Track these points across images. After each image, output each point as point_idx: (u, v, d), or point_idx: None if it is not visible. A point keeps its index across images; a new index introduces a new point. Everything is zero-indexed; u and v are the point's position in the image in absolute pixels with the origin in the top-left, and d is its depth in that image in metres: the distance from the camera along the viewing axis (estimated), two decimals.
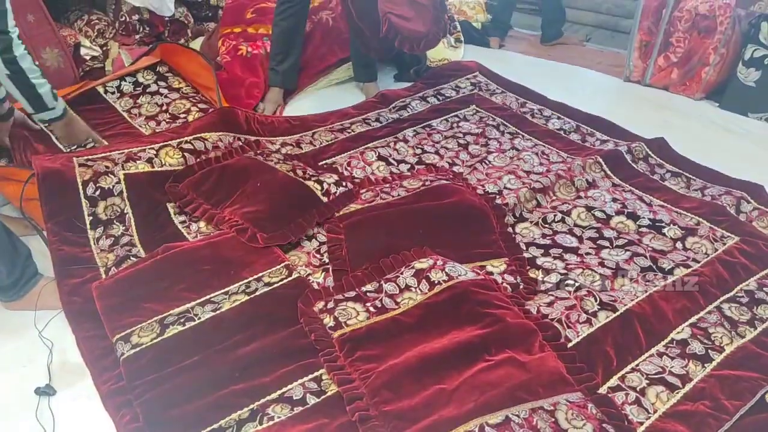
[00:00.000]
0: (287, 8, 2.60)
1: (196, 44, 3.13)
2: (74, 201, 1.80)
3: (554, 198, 2.07)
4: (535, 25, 3.66)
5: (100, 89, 2.43)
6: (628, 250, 1.82)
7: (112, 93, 2.45)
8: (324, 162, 2.29)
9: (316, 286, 1.66)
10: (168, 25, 3.06)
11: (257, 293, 1.61)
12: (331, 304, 1.56)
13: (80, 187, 1.82)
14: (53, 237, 1.72)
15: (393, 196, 2.03)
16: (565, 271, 1.72)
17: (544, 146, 2.41)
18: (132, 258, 1.73)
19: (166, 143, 2.08)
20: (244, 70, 2.77)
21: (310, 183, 2.02)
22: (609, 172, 2.20)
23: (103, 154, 1.96)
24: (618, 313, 1.57)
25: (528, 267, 1.75)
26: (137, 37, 2.92)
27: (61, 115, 1.86)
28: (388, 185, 2.13)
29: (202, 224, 1.89)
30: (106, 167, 1.90)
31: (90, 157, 1.93)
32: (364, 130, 2.52)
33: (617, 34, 3.66)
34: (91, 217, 1.80)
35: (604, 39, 3.66)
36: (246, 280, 1.65)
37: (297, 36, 2.71)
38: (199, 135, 2.15)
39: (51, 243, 1.71)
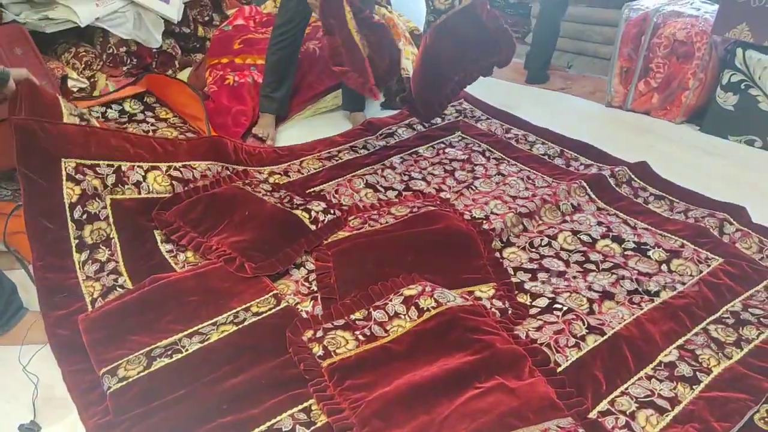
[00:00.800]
0: (283, 38, 2.64)
1: (184, 75, 3.15)
2: (60, 224, 1.78)
3: (540, 222, 2.09)
4: (519, 52, 3.73)
5: (84, 111, 2.44)
6: (615, 273, 1.83)
7: (97, 117, 2.44)
8: (312, 190, 2.30)
9: (304, 315, 1.65)
10: (156, 57, 3.09)
11: (245, 323, 1.60)
12: (320, 333, 1.56)
13: (67, 209, 1.81)
14: (38, 262, 1.70)
15: (381, 223, 2.04)
16: (552, 295, 1.73)
17: (529, 171, 2.44)
18: (118, 288, 1.71)
19: (155, 165, 2.07)
20: (230, 98, 2.79)
21: (298, 212, 2.03)
22: (593, 196, 2.23)
23: (91, 161, 1.92)
24: (606, 337, 1.58)
25: (516, 292, 1.76)
26: (125, 68, 2.94)
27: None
28: (375, 212, 2.14)
29: (189, 254, 1.89)
30: (95, 189, 1.89)
31: (80, 161, 1.89)
32: (352, 158, 2.55)
33: (597, 60, 3.74)
34: (77, 240, 1.79)
35: (585, 65, 3.73)
36: (234, 310, 1.64)
37: (291, 65, 2.76)
38: (187, 162, 2.15)
39: (36, 270, 1.69)
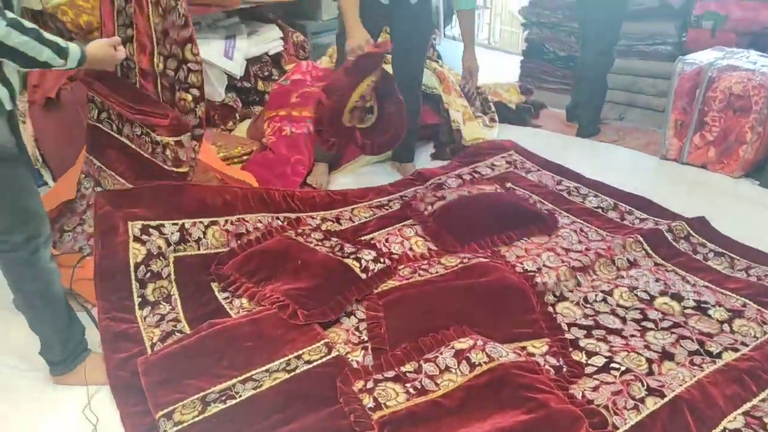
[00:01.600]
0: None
1: (243, 126, 3.29)
2: (125, 283, 1.88)
3: (595, 277, 2.05)
4: (560, 103, 3.74)
5: None
6: (674, 333, 1.77)
7: None
8: (362, 238, 2.33)
9: (355, 365, 1.66)
10: (218, 110, 3.24)
11: (297, 371, 1.62)
12: (370, 384, 1.55)
13: (132, 269, 1.90)
14: (103, 315, 1.79)
15: (431, 273, 2.04)
16: (609, 354, 1.68)
17: (582, 224, 2.42)
18: (177, 333, 1.77)
19: (214, 221, 2.16)
20: (289, 149, 2.89)
21: (348, 261, 2.06)
22: (650, 251, 2.19)
23: (157, 222, 2.02)
24: (666, 399, 1.52)
25: (571, 349, 1.72)
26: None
27: (83, 53, 1.56)
28: (426, 262, 2.15)
29: (244, 300, 1.94)
30: (159, 248, 1.98)
31: (146, 223, 2.00)
32: (402, 207, 2.58)
33: (650, 112, 3.70)
34: (140, 299, 1.87)
35: (638, 117, 3.70)
36: (286, 358, 1.67)
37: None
38: (240, 216, 2.23)
39: (101, 320, 1.78)
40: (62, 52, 1.41)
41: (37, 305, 1.60)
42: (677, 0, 3.70)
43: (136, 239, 1.95)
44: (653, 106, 3.67)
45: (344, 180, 2.91)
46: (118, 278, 1.87)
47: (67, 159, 2.66)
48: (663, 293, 1.94)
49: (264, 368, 1.63)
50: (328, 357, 1.67)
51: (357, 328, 1.84)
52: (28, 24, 1.33)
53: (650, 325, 1.82)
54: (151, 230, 2.00)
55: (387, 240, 2.31)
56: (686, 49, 3.57)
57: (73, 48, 1.45)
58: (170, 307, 1.88)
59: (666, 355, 1.68)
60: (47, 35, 1.37)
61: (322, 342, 1.72)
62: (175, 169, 2.02)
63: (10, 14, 1.30)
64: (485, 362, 1.55)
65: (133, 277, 1.89)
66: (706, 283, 2.02)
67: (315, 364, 1.65)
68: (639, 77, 3.75)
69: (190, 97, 1.99)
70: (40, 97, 2.69)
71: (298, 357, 1.67)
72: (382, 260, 2.11)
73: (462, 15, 2.73)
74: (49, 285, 1.60)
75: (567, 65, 4.04)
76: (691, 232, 2.31)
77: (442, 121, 3.25)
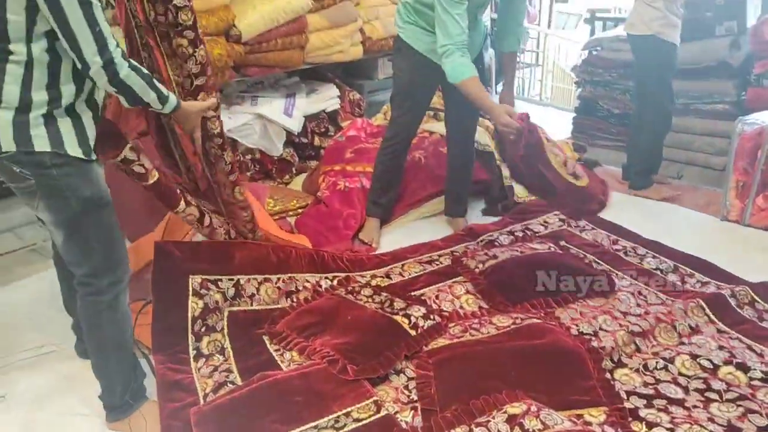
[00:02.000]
0: (390, 150, 2.79)
1: (299, 180, 3.40)
2: (182, 336, 1.94)
3: (655, 343, 1.97)
4: (622, 160, 3.69)
5: None
6: (741, 406, 1.67)
7: None
8: (413, 293, 2.33)
9: (404, 425, 1.64)
10: (275, 164, 3.37)
11: (345, 429, 1.61)
12: None
13: (189, 323, 1.97)
14: (159, 365, 1.85)
15: (483, 333, 2.02)
16: (671, 426, 1.60)
17: (640, 286, 2.35)
18: (229, 384, 1.80)
19: (267, 278, 2.22)
20: (342, 203, 2.95)
21: (398, 317, 2.07)
22: (713, 317, 2.09)
23: (215, 277, 2.09)
24: None
25: (630, 419, 1.64)
26: (248, 174, 3.23)
27: (178, 104, 1.71)
28: (477, 320, 2.12)
29: (295, 353, 1.95)
30: (216, 302, 2.04)
31: (205, 277, 2.07)
32: (452, 263, 2.57)
33: (709, 170, 3.61)
34: (195, 351, 1.93)
35: (696, 176, 3.62)
36: (335, 415, 1.66)
37: (397, 174, 2.90)
38: (291, 275, 2.29)
39: (157, 369, 1.84)
40: (162, 98, 1.60)
41: (109, 350, 1.67)
42: (736, 59, 3.65)
43: (195, 293, 2.01)
44: (712, 165, 3.59)
45: (395, 235, 2.93)
46: (175, 331, 1.94)
47: (134, 210, 2.80)
48: (727, 362, 1.85)
49: (313, 424, 1.62)
50: (377, 416, 1.66)
51: (406, 387, 1.82)
52: (144, 70, 1.53)
53: (714, 396, 1.72)
54: (209, 284, 2.06)
55: (437, 297, 2.30)
56: (746, 107, 3.50)
57: (172, 98, 1.65)
58: (223, 358, 1.92)
59: (732, 430, 1.59)
60: (156, 82, 1.57)
61: (371, 400, 1.71)
62: (144, 183, 1.90)
63: (132, 61, 1.49)
64: (539, 429, 1.50)
65: (189, 330, 1.95)
66: None
67: (364, 422, 1.64)
68: (697, 135, 3.68)
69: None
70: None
71: (347, 414, 1.66)
72: (432, 317, 2.10)
73: (507, 57, 2.75)
74: (123, 331, 1.68)
75: (621, 122, 4.01)
76: (756, 297, 2.21)
77: (493, 178, 3.26)
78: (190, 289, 2.01)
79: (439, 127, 3.47)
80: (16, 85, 1.39)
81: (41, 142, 1.42)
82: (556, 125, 4.54)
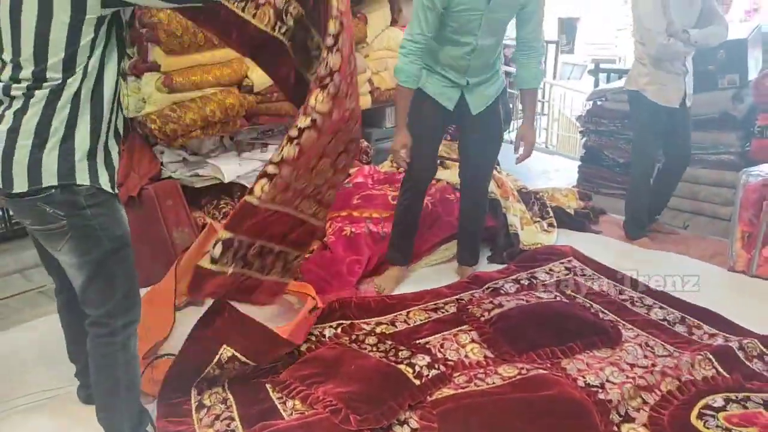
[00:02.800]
0: (410, 192, 2.83)
1: None
2: (187, 390, 1.95)
3: (660, 397, 1.95)
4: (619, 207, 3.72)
5: None
6: None
7: None
8: (417, 341, 2.32)
9: None
10: None
11: None
12: None
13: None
14: (162, 417, 1.85)
15: (488, 383, 2.00)
16: None
17: (647, 337, 2.33)
18: None
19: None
20: (346, 249, 2.96)
21: (402, 366, 2.06)
22: (721, 371, 2.07)
23: (245, 359, 2.01)
24: None
25: None
26: None
27: None
28: (482, 370, 2.11)
29: (297, 402, 1.94)
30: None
31: (237, 355, 1.98)
32: (457, 311, 2.57)
33: (717, 221, 3.62)
34: (196, 403, 1.93)
35: (703, 226, 3.62)
36: None
37: (417, 214, 2.91)
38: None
39: (158, 421, 1.84)
40: None
41: (120, 391, 1.66)
42: (739, 111, 3.71)
43: (219, 364, 1.96)
44: (720, 215, 3.60)
45: (403, 283, 2.94)
46: (183, 387, 1.94)
47: (142, 255, 2.83)
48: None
49: None
50: None
51: None
52: None
53: None
54: (235, 361, 1.99)
55: (442, 345, 2.29)
56: (751, 158, 3.53)
57: None
58: (225, 407, 1.92)
59: None
60: None
61: None
62: None
63: None
64: None
65: (193, 384, 1.96)
66: None
67: None
68: (703, 185, 3.71)
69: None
70: (123, 195, 2.92)
71: None
72: (436, 366, 2.09)
73: (527, 93, 2.75)
74: (134, 372, 1.69)
75: (626, 172, 4.04)
76: (765, 350, 2.18)
77: (499, 225, 3.29)
78: (217, 358, 1.96)
79: (447, 175, 3.52)
80: (59, 118, 1.43)
81: (83, 176, 1.46)
82: (563, 173, 4.58)
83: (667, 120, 3.14)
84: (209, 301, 2.46)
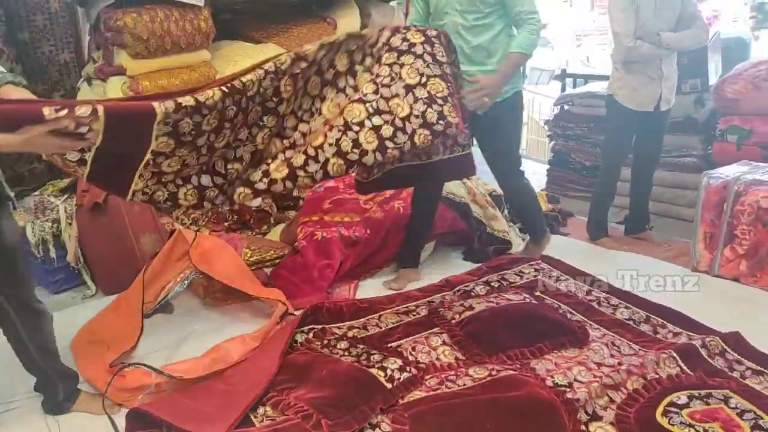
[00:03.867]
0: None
1: (277, 231, 3.41)
2: None
3: (626, 395, 1.99)
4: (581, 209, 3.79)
5: None
6: None
7: None
8: (389, 345, 2.33)
9: None
10: (254, 214, 3.38)
11: None
12: None
13: None
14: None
15: (459, 385, 2.02)
16: None
17: (614, 337, 2.37)
18: None
19: None
20: (317, 253, 2.94)
21: (374, 370, 2.06)
22: (685, 368, 2.12)
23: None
24: None
25: None
26: (226, 224, 3.24)
27: None
28: (453, 372, 2.12)
29: (268, 408, 1.93)
30: None
31: None
32: (429, 313, 2.58)
33: (681, 222, 3.72)
34: None
35: (667, 228, 3.71)
36: None
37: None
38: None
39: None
40: None
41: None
42: (701, 114, 3.82)
43: None
44: (683, 216, 3.69)
45: (374, 286, 2.95)
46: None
47: (108, 261, 2.78)
48: None
49: None
50: None
51: None
52: None
53: None
54: None
55: (414, 348, 2.30)
56: (713, 161, 3.64)
57: None
58: None
59: None
60: None
61: None
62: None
63: None
64: None
65: None
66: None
67: None
68: (667, 188, 3.80)
69: None
70: (89, 201, 2.87)
71: None
72: (408, 369, 2.10)
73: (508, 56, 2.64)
74: None
75: (593, 174, 4.13)
76: (726, 348, 2.24)
77: (471, 228, 3.32)
78: None
79: None
80: None
81: None
82: (533, 177, 4.63)
83: (640, 124, 3.20)
84: (179, 310, 2.46)
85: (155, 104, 1.72)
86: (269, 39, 3.60)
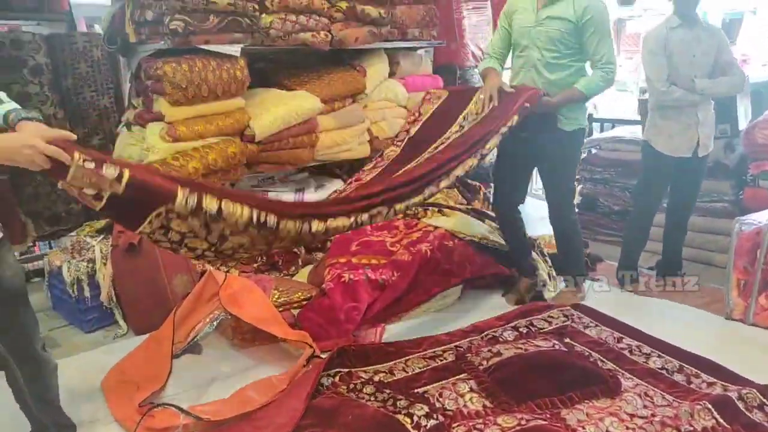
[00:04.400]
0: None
1: (305, 272, 3.44)
2: None
3: None
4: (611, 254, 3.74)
5: None
6: None
7: None
8: (416, 390, 2.31)
9: None
10: (282, 255, 3.43)
11: None
12: None
13: None
14: None
15: None
16: None
17: (646, 387, 2.32)
18: None
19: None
20: (344, 296, 2.96)
21: (400, 416, 2.04)
22: (721, 421, 2.05)
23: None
24: None
25: None
26: (255, 265, 3.29)
27: None
28: (481, 420, 2.09)
29: None
30: None
31: None
32: (456, 359, 2.56)
33: (711, 268, 3.64)
34: None
35: (698, 273, 3.63)
36: None
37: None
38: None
39: None
40: None
41: None
42: (731, 160, 3.78)
43: None
44: (715, 263, 3.62)
45: (400, 329, 2.94)
46: None
47: (140, 302, 2.84)
48: None
49: None
50: None
51: None
52: None
53: None
54: None
55: (440, 394, 2.28)
56: (745, 206, 3.58)
57: None
58: None
59: None
60: None
61: None
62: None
63: None
64: None
65: None
66: None
67: None
68: (698, 233, 3.74)
69: None
70: (124, 241, 2.95)
71: None
72: (435, 416, 2.07)
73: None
74: None
75: (622, 218, 4.09)
76: (765, 401, 2.17)
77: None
78: None
79: (443, 222, 3.56)
80: None
81: None
82: None
83: (677, 170, 3.18)
84: (207, 350, 2.48)
85: (179, 192, 1.73)
86: (301, 86, 3.71)
